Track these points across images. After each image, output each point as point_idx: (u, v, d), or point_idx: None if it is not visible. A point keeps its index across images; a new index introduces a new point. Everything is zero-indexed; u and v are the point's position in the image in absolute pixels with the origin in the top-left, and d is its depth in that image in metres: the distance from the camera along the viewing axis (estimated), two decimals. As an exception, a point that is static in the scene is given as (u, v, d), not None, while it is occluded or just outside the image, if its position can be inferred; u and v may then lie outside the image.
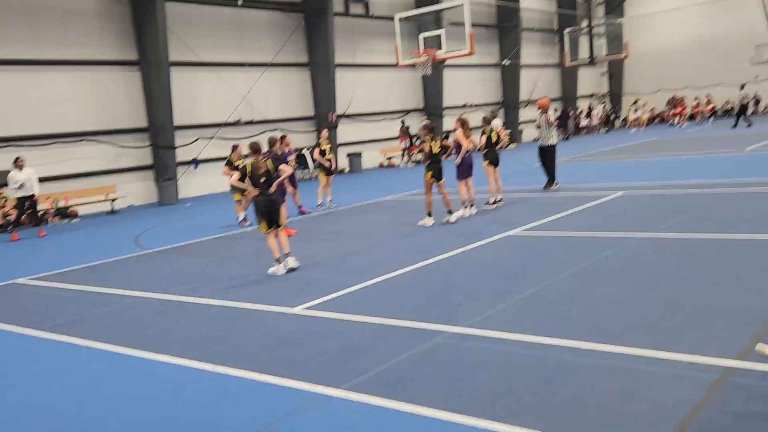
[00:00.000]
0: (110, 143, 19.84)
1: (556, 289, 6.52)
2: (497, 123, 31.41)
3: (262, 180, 8.41)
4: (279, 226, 8.54)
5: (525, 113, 35.77)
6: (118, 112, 20.08)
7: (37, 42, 18.28)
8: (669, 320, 5.32)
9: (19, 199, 14.97)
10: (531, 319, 5.69)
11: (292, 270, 8.45)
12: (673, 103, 37.36)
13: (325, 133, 15.73)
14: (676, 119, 36.33)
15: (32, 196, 15.12)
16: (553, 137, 14.30)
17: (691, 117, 36.91)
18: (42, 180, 18.20)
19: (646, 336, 4.99)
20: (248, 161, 8.57)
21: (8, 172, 17.61)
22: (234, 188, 13.38)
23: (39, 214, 17.33)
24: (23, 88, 18.03)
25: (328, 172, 15.10)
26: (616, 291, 6.22)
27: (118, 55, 20.06)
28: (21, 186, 14.82)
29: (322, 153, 15.00)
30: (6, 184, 17.05)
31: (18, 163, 14.91)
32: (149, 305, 7.56)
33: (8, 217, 16.57)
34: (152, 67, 20.07)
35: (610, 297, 6.06)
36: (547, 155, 14.37)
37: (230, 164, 13.33)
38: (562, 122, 34.42)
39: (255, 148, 8.71)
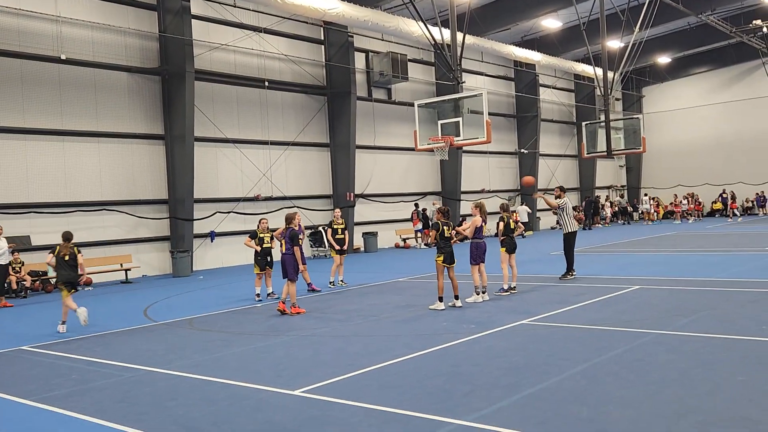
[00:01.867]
0: (129, 214, 20.14)
1: (566, 385, 6.31)
2: (524, 208, 31.71)
3: (66, 259, 10.81)
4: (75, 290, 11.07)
5: (542, 201, 35.90)
6: (140, 183, 20.49)
7: (67, 113, 18.94)
8: (683, 426, 5.09)
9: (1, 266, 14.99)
10: (539, 416, 5.47)
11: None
12: (732, 196, 37.31)
13: (338, 212, 15.77)
14: (734, 211, 36.46)
15: (9, 263, 15.33)
16: (569, 225, 14.23)
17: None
18: (59, 246, 18.45)
19: (659, 441, 4.76)
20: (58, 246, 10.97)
21: (28, 237, 17.95)
22: (254, 262, 13.42)
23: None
24: (49, 157, 18.54)
25: (341, 251, 15.10)
26: (628, 392, 6.00)
27: (146, 129, 20.68)
28: (2, 253, 14.84)
29: (335, 232, 15.05)
30: (21, 249, 17.27)
31: None
32: (149, 380, 7.43)
33: (23, 283, 16.71)
34: (177, 141, 20.62)
35: (622, 398, 5.83)
36: (564, 243, 14.28)
37: (254, 236, 13.48)
38: (592, 211, 34.73)
39: (66, 237, 11.16)
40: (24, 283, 16.69)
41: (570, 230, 14.20)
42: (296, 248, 11.63)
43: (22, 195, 17.94)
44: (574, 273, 14.21)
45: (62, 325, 10.84)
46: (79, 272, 11.03)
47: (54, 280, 10.91)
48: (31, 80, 18.25)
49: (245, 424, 5.68)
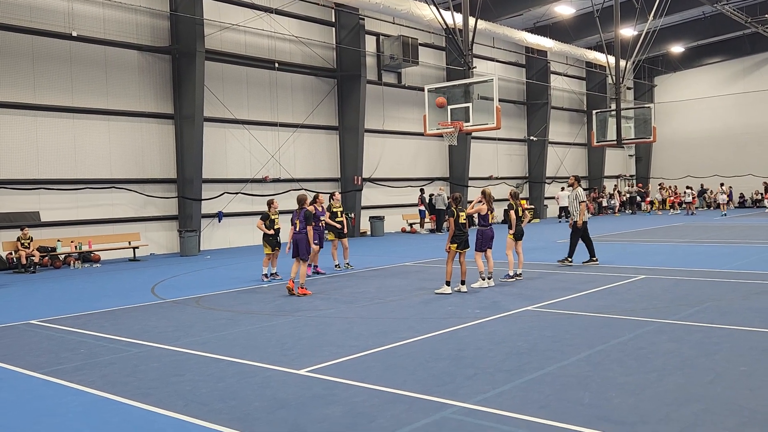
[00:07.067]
0: (138, 192, 20.25)
1: (568, 371, 6.36)
2: (565, 194, 31.52)
3: None
4: None
5: (550, 189, 35.88)
6: (149, 162, 20.58)
7: (77, 91, 18.99)
8: (683, 414, 5.14)
9: None
10: (541, 401, 5.53)
11: None
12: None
13: (338, 195, 15.77)
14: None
15: None
16: (577, 214, 14.23)
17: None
18: (68, 224, 18.64)
19: (658, 429, 4.81)
20: None
21: (37, 213, 18.10)
22: (264, 242, 13.50)
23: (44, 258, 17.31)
24: (59, 134, 18.63)
25: (339, 234, 15.15)
26: (631, 379, 6.05)
27: (155, 108, 20.73)
28: None
29: (334, 215, 15.11)
30: (30, 225, 17.45)
31: None
32: (157, 356, 7.52)
33: (32, 258, 16.86)
34: (186, 121, 20.66)
35: (624, 385, 5.88)
36: (576, 231, 14.30)
37: (266, 218, 13.52)
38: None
39: None
40: (33, 258, 16.85)
41: (583, 219, 14.21)
42: (309, 227, 11.65)
43: (32, 171, 18.06)
44: (571, 261, 14.29)
45: None
46: None
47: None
48: (42, 57, 18.29)
49: (251, 401, 5.76)
